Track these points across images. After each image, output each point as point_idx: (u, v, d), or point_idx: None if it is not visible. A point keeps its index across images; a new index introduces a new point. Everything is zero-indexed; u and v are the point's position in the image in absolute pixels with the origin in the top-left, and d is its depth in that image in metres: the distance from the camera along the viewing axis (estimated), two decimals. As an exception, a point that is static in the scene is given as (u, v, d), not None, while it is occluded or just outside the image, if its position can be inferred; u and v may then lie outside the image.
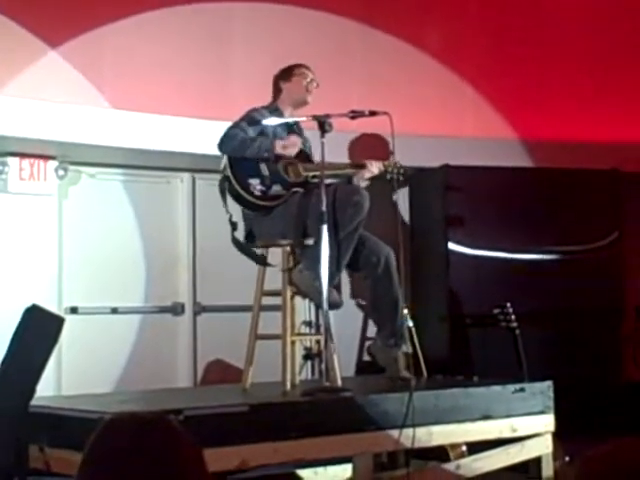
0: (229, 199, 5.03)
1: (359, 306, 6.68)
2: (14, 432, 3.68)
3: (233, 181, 4.99)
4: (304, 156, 5.22)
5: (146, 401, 5.12)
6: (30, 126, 5.78)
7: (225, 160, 5.04)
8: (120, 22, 6.14)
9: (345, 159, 5.99)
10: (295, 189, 5.08)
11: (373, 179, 5.23)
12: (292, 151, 5.07)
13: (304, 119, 5.17)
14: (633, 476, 1.66)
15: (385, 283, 5.14)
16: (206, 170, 6.48)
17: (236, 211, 5.10)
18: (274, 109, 5.27)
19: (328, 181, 4.92)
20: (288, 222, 5.01)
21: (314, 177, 5.06)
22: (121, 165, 6.55)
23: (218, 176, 5.16)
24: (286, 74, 5.35)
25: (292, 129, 5.30)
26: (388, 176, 5.23)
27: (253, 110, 5.17)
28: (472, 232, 6.83)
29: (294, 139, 5.10)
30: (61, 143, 5.91)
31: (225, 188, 5.03)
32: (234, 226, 5.07)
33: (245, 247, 5.09)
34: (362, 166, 5.22)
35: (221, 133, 5.05)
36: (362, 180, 5.18)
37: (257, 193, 5.01)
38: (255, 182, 5.01)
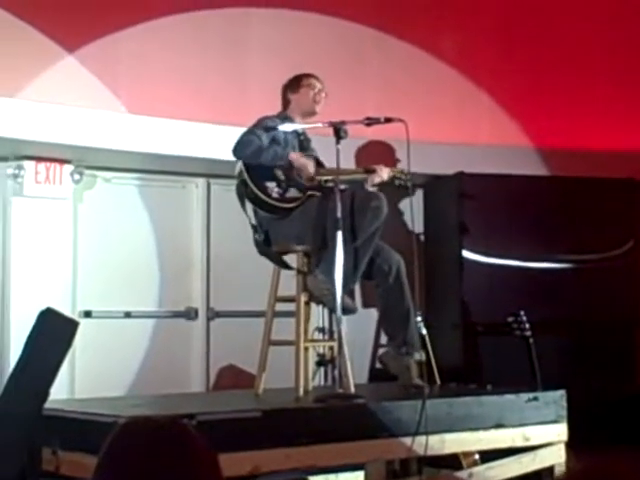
0: (248, 203, 5.06)
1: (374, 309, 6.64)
2: (28, 435, 3.68)
3: (251, 184, 5.01)
4: (315, 161, 5.24)
5: (159, 405, 5.13)
6: (46, 130, 5.80)
7: (240, 165, 5.06)
8: (137, 27, 6.15)
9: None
10: (311, 192, 5.11)
11: (381, 185, 5.24)
12: (304, 170, 5.09)
13: (320, 125, 5.17)
14: None
15: (396, 292, 5.14)
16: (221, 175, 6.48)
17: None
18: (284, 117, 5.29)
19: (341, 187, 4.93)
20: (306, 226, 5.03)
21: (327, 182, 5.08)
22: (136, 170, 6.56)
23: (233, 181, 5.18)
24: (294, 85, 5.37)
25: (299, 138, 5.32)
26: (396, 182, 5.25)
27: (265, 118, 5.19)
28: (486, 240, 6.81)
29: (307, 162, 5.11)
30: (77, 147, 5.93)
31: (243, 192, 5.05)
32: (255, 229, 5.10)
33: (267, 250, 5.11)
34: (372, 171, 5.24)
35: (236, 139, 5.07)
36: (371, 185, 5.20)
37: (275, 195, 5.03)
38: (272, 185, 5.04)
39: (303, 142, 5.36)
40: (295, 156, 5.13)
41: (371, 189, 5.17)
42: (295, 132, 5.30)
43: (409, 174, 5.23)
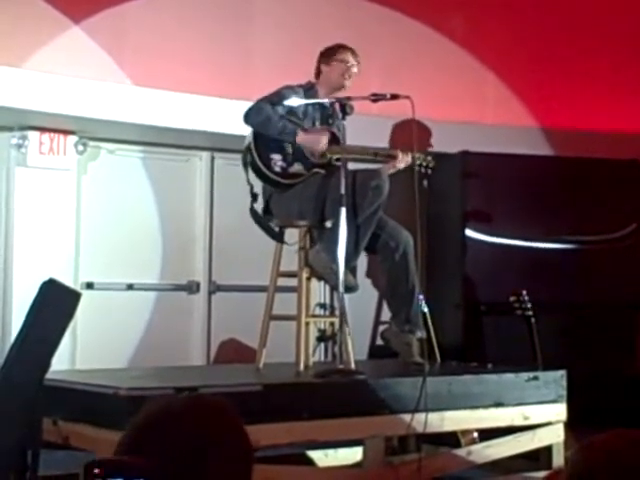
0: (251, 172, 5.04)
1: (376, 286, 6.62)
2: (28, 405, 3.69)
3: (255, 154, 4.99)
4: (333, 138, 5.17)
5: (160, 378, 5.14)
6: (51, 100, 5.78)
7: (250, 132, 5.03)
8: (143, -1, 6.14)
9: (366, 142, 5.93)
10: (316, 170, 5.07)
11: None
12: (315, 147, 5.04)
13: (326, 101, 5.14)
14: (628, 467, 1.66)
15: (402, 268, 5.13)
16: (225, 149, 6.48)
17: (257, 183, 5.10)
18: (309, 88, 5.22)
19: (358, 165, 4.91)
20: (306, 202, 5.01)
21: (338, 160, 5.01)
22: (140, 142, 6.55)
23: (237, 155, 5.17)
24: (328, 57, 5.28)
25: (323, 112, 5.23)
26: (416, 168, 5.18)
27: (287, 87, 5.12)
28: (489, 219, 6.80)
29: (319, 137, 5.06)
30: (81, 118, 5.91)
31: (247, 161, 5.03)
32: (254, 197, 5.06)
33: (262, 220, 5.09)
34: (391, 156, 5.18)
35: (248, 106, 5.02)
36: (387, 170, 5.14)
37: (277, 169, 5.02)
38: (277, 157, 5.01)
39: (328, 116, 5.23)
40: (303, 137, 5.05)
41: (387, 172, 5.11)
42: (322, 105, 5.23)
43: (432, 161, 5.20)
